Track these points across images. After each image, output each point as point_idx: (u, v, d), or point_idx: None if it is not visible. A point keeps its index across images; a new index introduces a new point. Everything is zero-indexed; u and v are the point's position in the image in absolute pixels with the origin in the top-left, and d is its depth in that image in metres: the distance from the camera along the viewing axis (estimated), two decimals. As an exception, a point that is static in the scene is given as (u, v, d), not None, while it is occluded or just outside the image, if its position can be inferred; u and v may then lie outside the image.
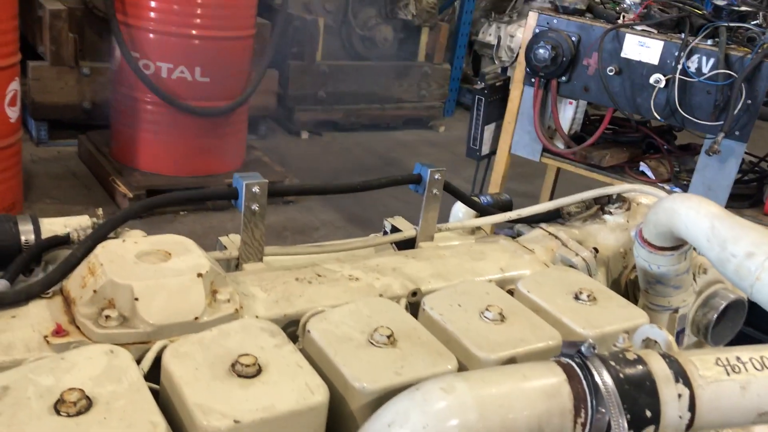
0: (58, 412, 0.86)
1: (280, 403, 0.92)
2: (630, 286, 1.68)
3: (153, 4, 3.86)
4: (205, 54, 4.00)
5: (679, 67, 2.83)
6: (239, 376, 0.96)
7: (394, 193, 3.16)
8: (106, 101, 4.46)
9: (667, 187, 3.16)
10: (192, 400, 0.91)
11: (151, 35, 3.92)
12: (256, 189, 1.35)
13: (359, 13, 6.02)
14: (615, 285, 1.67)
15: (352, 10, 5.97)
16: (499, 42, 4.18)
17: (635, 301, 1.63)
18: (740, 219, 1.24)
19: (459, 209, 1.73)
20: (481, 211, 1.68)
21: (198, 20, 3.92)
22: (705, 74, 2.80)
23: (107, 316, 1.07)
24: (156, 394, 0.96)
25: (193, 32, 3.94)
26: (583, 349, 0.94)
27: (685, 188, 3.11)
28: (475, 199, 1.71)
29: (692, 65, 2.83)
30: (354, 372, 1.00)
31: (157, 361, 1.03)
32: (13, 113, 3.57)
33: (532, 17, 3.21)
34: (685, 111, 2.87)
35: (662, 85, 2.88)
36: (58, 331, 1.07)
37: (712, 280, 1.63)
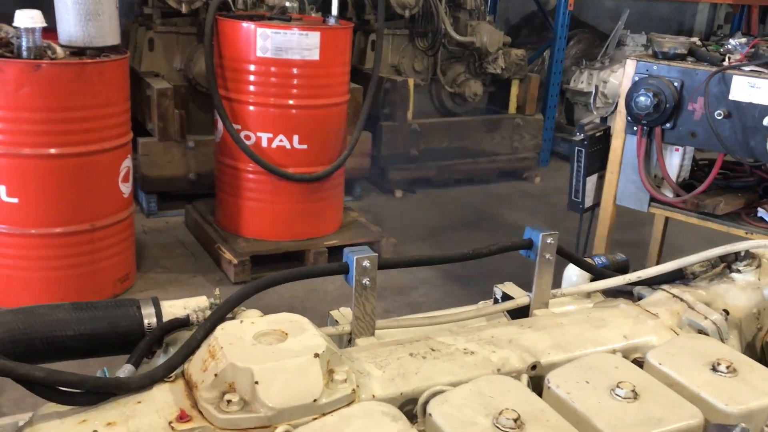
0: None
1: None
2: (767, 350, 1.55)
3: (252, 78, 4.03)
4: (303, 122, 4.13)
5: (796, 106, 2.67)
6: (364, 465, 0.93)
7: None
8: (210, 172, 4.66)
9: (790, 233, 2.95)
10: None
11: (251, 108, 4.09)
12: (366, 263, 1.35)
13: (448, 70, 6.08)
14: (749, 349, 1.54)
15: (441, 69, 6.04)
16: (596, 91, 4.09)
17: (774, 366, 1.50)
18: None
19: (573, 272, 1.66)
20: (597, 274, 1.61)
21: (295, 91, 4.07)
22: (826, 112, 2.63)
23: (229, 401, 1.08)
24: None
25: (291, 102, 4.08)
26: (736, 434, 0.85)
27: (811, 234, 2.90)
28: (590, 261, 1.64)
29: (810, 104, 2.66)
30: (482, 460, 0.96)
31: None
32: (126, 189, 3.77)
33: (630, 65, 3.12)
34: (806, 152, 2.70)
35: (777, 126, 2.73)
36: (182, 417, 1.09)
37: None
